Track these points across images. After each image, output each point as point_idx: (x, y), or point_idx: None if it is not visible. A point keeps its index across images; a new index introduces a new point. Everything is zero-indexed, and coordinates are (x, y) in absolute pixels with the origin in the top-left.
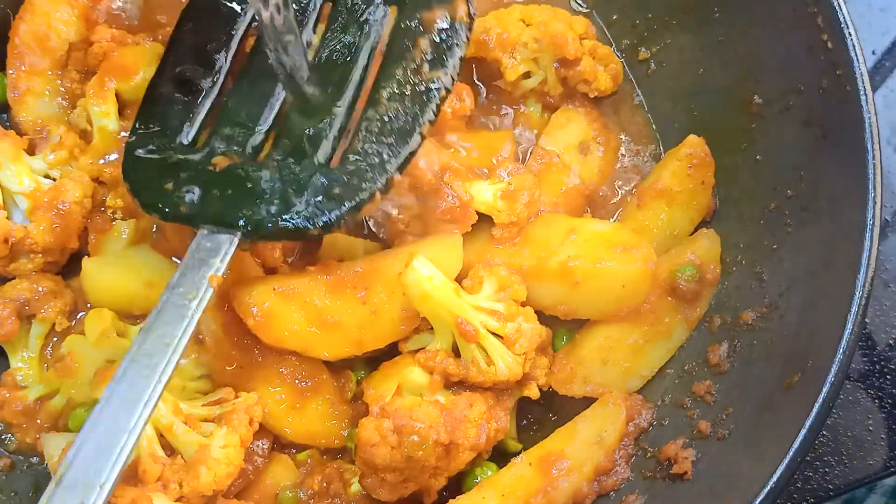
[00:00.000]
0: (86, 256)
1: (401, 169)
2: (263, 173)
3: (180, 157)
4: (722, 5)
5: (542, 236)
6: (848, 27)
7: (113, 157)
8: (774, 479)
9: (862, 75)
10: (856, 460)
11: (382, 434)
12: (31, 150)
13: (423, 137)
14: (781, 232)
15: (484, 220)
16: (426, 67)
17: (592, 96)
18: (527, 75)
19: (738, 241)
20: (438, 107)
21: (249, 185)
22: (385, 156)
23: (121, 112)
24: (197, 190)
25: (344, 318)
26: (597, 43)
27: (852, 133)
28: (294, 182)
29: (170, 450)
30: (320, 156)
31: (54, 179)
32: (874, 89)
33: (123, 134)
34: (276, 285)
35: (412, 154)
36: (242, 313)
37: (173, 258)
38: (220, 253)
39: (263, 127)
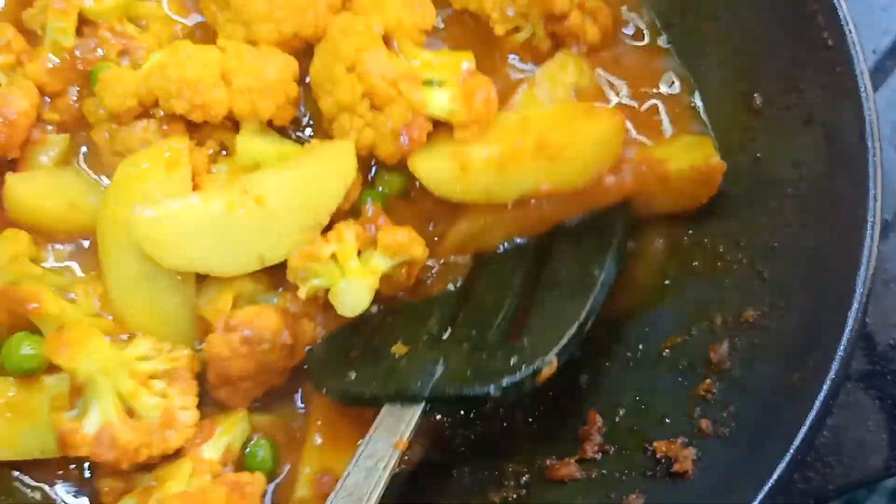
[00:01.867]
0: (9, 172)
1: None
2: (443, 349)
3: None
4: (722, 3)
5: (504, 125)
6: (848, 26)
7: (54, 62)
8: (775, 478)
9: (862, 74)
10: (856, 461)
11: (233, 347)
12: None
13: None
14: (782, 231)
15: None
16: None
17: (583, 51)
18: (515, 30)
19: (739, 240)
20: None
21: (431, 362)
22: (554, 333)
23: (79, 30)
24: (381, 374)
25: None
26: None
27: (853, 132)
28: (475, 353)
29: (129, 412)
30: (497, 331)
31: None
32: (875, 88)
33: (77, 52)
34: None
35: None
36: None
37: (102, 177)
38: (405, 422)
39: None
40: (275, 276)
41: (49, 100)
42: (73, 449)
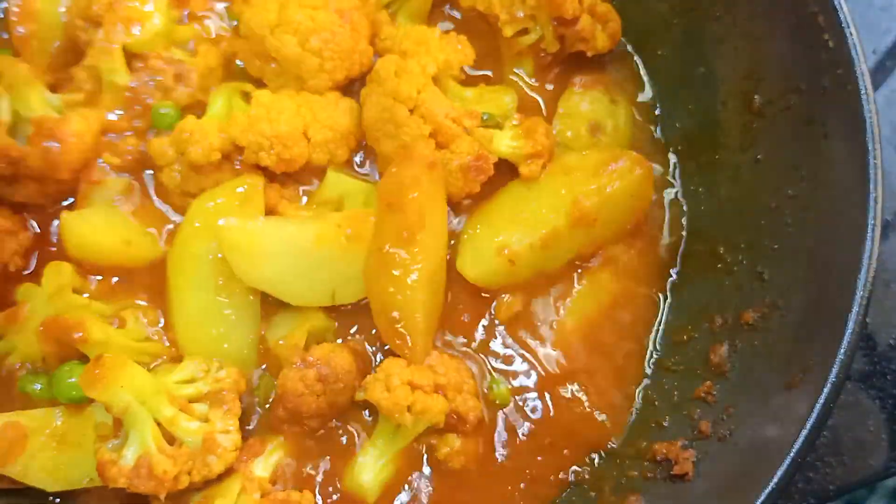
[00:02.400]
0: (65, 211)
1: None
2: None
3: None
4: (723, 4)
5: (533, 202)
6: (848, 26)
7: (117, 113)
8: (776, 479)
9: (863, 74)
10: (857, 461)
11: (308, 384)
12: (54, 89)
13: None
14: (782, 232)
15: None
16: None
17: (590, 55)
18: (524, 31)
19: (739, 241)
20: None
21: None
22: None
23: (130, 66)
24: None
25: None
26: (597, 0)
27: (853, 132)
28: None
29: (170, 438)
30: None
31: None
32: (875, 88)
33: (133, 84)
34: None
35: None
36: None
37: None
38: None
39: None
40: (346, 315)
41: (113, 137)
42: (112, 481)
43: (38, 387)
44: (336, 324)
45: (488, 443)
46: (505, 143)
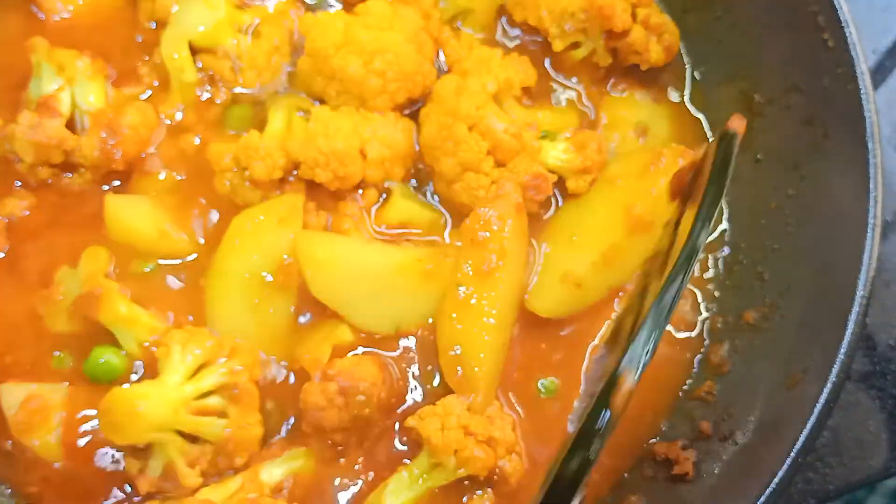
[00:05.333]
0: (110, 192)
1: None
2: None
3: None
4: (723, 4)
5: (587, 219)
6: (848, 26)
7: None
8: (776, 479)
9: (863, 74)
10: (857, 461)
11: (329, 397)
12: (117, 83)
13: None
14: (782, 232)
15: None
16: None
17: (644, 69)
18: (576, 45)
19: (739, 241)
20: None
21: None
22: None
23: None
24: None
25: None
26: (652, 10)
27: (853, 132)
28: None
29: (192, 437)
30: None
31: None
32: (875, 88)
33: (201, 76)
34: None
35: None
36: None
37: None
38: None
39: None
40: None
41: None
42: (141, 490)
43: (70, 364)
44: (363, 340)
45: None
46: (553, 154)
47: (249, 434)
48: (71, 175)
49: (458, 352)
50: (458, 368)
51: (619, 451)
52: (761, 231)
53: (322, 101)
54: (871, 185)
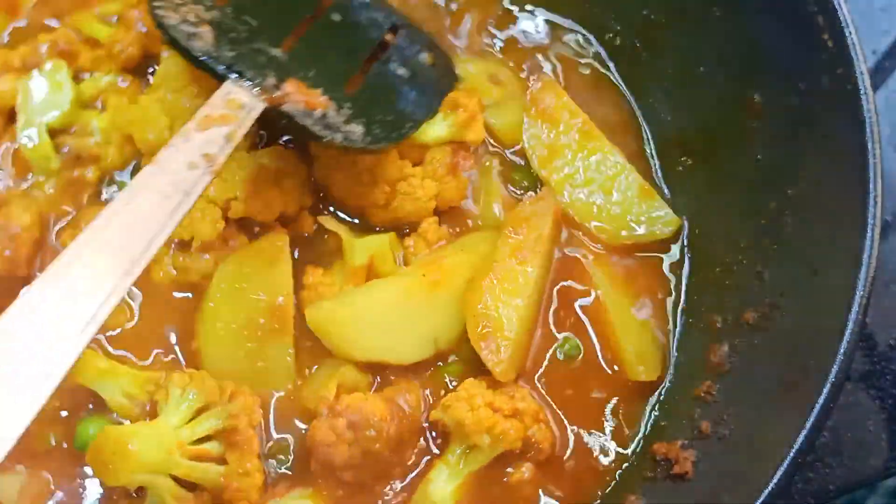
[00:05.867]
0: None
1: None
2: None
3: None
4: (722, 4)
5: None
6: (848, 27)
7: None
8: (775, 479)
9: (862, 75)
10: (856, 461)
11: (338, 433)
12: None
13: None
14: (782, 232)
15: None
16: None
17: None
18: None
19: (739, 241)
20: None
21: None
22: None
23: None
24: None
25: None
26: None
27: (853, 133)
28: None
29: (190, 485)
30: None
31: None
32: (875, 89)
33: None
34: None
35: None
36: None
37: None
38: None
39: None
40: (376, 369)
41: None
42: None
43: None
44: (368, 378)
45: None
46: (438, 128)
47: (248, 481)
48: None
49: (489, 326)
50: (488, 342)
51: None
52: (761, 231)
53: None
54: (871, 186)
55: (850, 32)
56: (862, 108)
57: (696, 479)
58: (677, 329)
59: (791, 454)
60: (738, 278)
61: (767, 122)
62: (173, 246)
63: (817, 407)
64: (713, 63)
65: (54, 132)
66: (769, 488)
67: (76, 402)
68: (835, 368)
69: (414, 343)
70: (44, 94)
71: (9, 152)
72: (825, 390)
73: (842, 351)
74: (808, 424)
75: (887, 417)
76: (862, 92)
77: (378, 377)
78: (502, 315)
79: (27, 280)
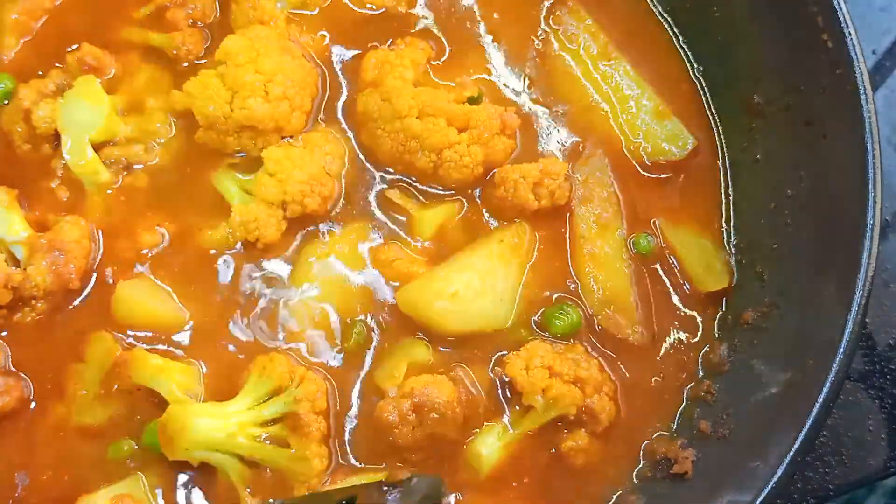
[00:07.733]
0: (121, 280)
1: None
2: None
3: None
4: (721, 4)
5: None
6: (848, 27)
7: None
8: (775, 479)
9: (862, 75)
10: (856, 461)
11: (402, 414)
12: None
13: None
14: (781, 232)
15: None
16: None
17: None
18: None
19: (739, 241)
20: None
21: None
22: None
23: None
24: None
25: None
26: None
27: (852, 132)
28: None
29: (253, 464)
30: None
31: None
32: (874, 89)
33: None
34: None
35: None
36: None
37: None
38: None
39: None
40: (449, 349)
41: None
42: None
43: (127, 448)
44: (434, 359)
45: None
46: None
47: (309, 466)
48: (21, 313)
49: (602, 294)
50: (608, 310)
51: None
52: (761, 231)
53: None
54: (871, 186)
55: (850, 32)
56: (862, 107)
57: (696, 479)
58: None
59: (791, 453)
60: (739, 278)
61: (767, 122)
62: (239, 246)
63: (817, 406)
64: (713, 63)
65: (98, 146)
66: (769, 488)
67: (133, 404)
68: (834, 367)
69: (498, 309)
70: (81, 111)
71: (56, 173)
72: (825, 389)
73: (841, 351)
74: (808, 424)
75: (887, 417)
76: (862, 92)
77: (454, 354)
78: (616, 288)
79: (79, 293)
